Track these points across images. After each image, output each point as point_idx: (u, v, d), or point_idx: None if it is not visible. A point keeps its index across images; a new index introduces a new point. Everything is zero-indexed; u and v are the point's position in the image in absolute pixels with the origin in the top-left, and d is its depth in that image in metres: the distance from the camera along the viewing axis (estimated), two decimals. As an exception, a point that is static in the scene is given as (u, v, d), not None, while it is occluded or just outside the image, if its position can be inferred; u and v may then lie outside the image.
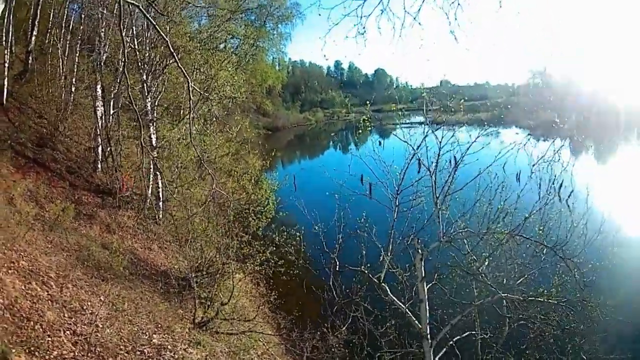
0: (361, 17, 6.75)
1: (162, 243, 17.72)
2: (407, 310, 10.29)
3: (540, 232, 9.91)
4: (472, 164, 10.02)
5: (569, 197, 12.67)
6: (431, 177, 9.78)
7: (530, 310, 10.63)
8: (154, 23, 9.71)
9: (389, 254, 10.30)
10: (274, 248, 14.53)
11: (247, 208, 16.07)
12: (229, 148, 22.34)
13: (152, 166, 19.33)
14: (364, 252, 10.85)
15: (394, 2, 6.75)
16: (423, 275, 10.10)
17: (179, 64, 7.31)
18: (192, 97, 7.23)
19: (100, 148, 19.45)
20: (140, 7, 7.05)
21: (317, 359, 12.59)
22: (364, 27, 6.90)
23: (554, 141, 11.69)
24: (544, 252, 10.38)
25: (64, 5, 22.44)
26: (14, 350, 6.54)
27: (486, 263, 10.40)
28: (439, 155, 9.69)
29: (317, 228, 11.66)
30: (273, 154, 25.50)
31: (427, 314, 10.18)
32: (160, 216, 19.16)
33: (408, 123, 10.82)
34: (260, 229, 16.21)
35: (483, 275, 10.34)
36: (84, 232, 15.14)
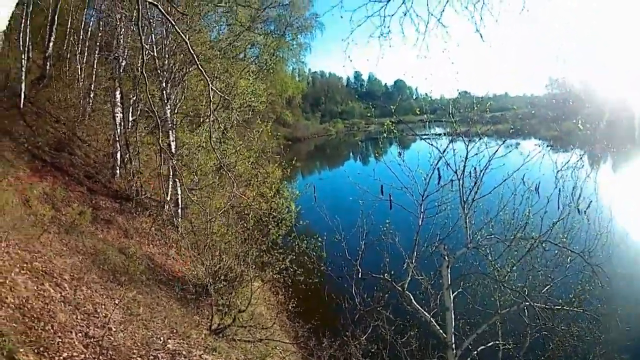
0: (384, 18, 6.57)
1: (180, 249, 17.55)
2: (431, 318, 10.07)
3: (564, 239, 9.74)
4: (495, 172, 9.86)
5: (588, 207, 12.28)
6: (459, 180, 9.66)
7: (554, 319, 10.29)
8: (173, 22, 9.63)
9: (413, 261, 10.10)
10: (294, 256, 14.28)
11: (266, 216, 15.90)
12: (248, 155, 22.15)
13: (171, 172, 19.22)
14: (387, 259, 10.63)
15: (417, 3, 6.57)
16: (449, 282, 9.92)
17: (199, 65, 7.12)
18: (212, 99, 7.07)
19: (119, 154, 19.44)
20: (160, 7, 6.88)
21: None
22: (388, 28, 6.77)
23: (576, 148, 11.66)
24: (569, 260, 10.19)
25: (81, 12, 22.60)
26: (21, 350, 6.34)
27: (512, 269, 10.06)
28: (466, 158, 9.54)
29: (337, 237, 11.50)
30: (293, 162, 25.26)
31: (453, 323, 9.98)
32: (179, 222, 18.99)
33: (429, 134, 10.56)
34: (280, 237, 15.97)
35: (510, 282, 10.08)
36: (100, 236, 15.08)
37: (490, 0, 6.26)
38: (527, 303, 9.70)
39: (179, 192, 19.38)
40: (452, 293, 10.07)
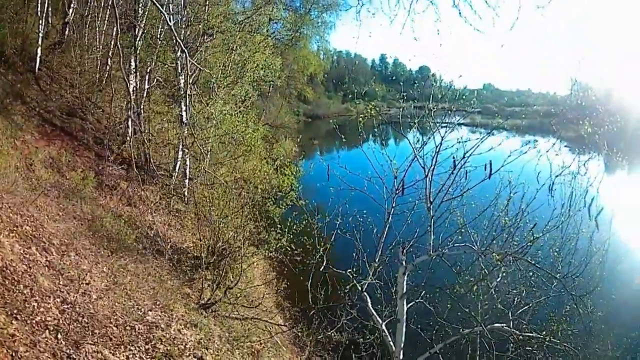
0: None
1: (183, 221, 17.71)
2: (383, 326, 9.79)
3: (556, 254, 9.26)
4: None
5: (598, 215, 11.80)
6: (425, 178, 9.07)
7: (529, 346, 9.56)
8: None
9: (376, 261, 9.76)
10: (290, 236, 14.30)
11: (266, 192, 15.93)
12: (255, 128, 22.15)
13: (181, 142, 19.35)
14: (355, 254, 10.33)
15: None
16: (404, 291, 9.42)
17: (177, 37, 7.12)
18: (190, 76, 7.11)
19: (130, 121, 19.55)
20: None
21: (320, 354, 12.39)
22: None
23: (582, 152, 10.87)
24: (552, 283, 9.38)
25: None
26: (-8, 312, 6.51)
27: (479, 285, 9.45)
28: (437, 152, 8.98)
29: (314, 222, 11.43)
30: (312, 141, 25.08)
31: (403, 336, 9.54)
32: (186, 193, 19.18)
33: (447, 123, 10.13)
34: (278, 215, 15.95)
35: (478, 299, 9.57)
36: (102, 202, 15.29)
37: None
38: (491, 326, 9.20)
39: (188, 163, 19.51)
40: (410, 303, 9.62)
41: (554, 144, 9.47)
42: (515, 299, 9.85)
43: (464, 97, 9.89)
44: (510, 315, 9.63)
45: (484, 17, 6.38)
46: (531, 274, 9.40)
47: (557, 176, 9.85)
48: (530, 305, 9.75)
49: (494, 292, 9.76)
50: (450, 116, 10.26)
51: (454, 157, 9.03)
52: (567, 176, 9.97)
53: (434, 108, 9.68)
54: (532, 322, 9.68)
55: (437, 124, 9.65)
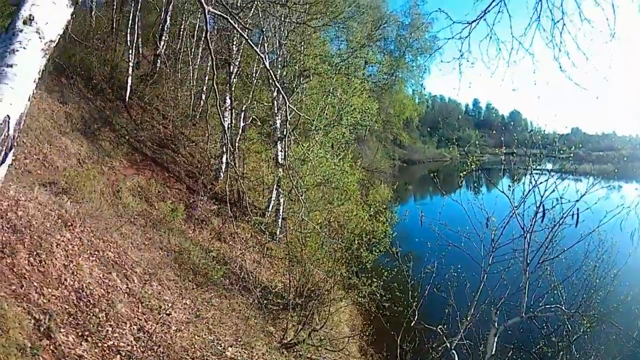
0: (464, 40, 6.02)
1: (274, 260, 17.42)
2: None
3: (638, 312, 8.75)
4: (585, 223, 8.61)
5: None
6: (524, 238, 8.60)
7: None
8: (246, 36, 9.38)
9: (468, 319, 9.35)
10: (381, 282, 13.61)
11: (360, 238, 15.37)
12: (352, 172, 21.75)
13: (275, 182, 19.28)
14: (447, 310, 9.88)
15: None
16: (493, 352, 9.00)
17: (276, 82, 6.86)
18: (288, 117, 6.91)
19: (224, 157, 19.73)
20: (230, 19, 6.58)
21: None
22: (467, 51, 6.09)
23: None
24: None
25: (195, 14, 23.23)
26: (62, 330, 6.32)
27: (565, 347, 9.28)
28: (536, 213, 8.57)
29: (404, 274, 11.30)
30: (407, 185, 24.53)
31: None
32: (277, 232, 18.94)
33: (539, 169, 9.58)
34: (370, 261, 15.32)
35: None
36: (190, 235, 15.26)
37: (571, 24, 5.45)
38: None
39: (281, 202, 19.36)
40: None
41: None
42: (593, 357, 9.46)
43: (556, 142, 9.70)
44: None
45: (579, 67, 6.05)
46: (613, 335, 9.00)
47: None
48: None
49: (574, 351, 9.54)
50: (541, 163, 9.98)
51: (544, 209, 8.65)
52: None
53: (529, 154, 9.49)
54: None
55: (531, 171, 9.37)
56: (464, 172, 10.00)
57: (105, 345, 6.73)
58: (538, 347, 9.44)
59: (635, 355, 8.91)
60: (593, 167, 10.27)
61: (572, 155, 9.30)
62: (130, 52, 20.85)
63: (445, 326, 9.72)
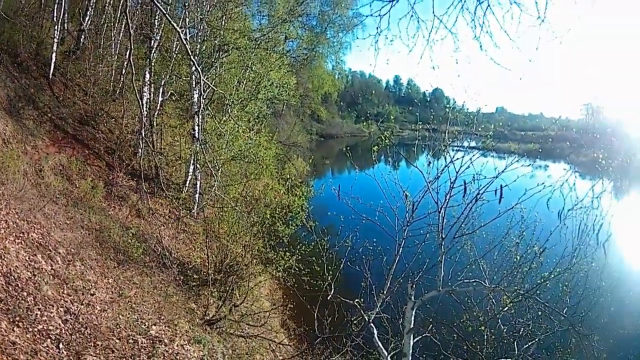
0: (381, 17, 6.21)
1: (192, 235, 17.53)
2: (388, 359, 9.42)
3: (565, 289, 8.89)
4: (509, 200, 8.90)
5: (606, 241, 11.50)
6: (438, 213, 8.76)
7: None
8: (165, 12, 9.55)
9: (384, 293, 9.46)
10: (299, 257, 14.15)
11: (276, 212, 15.78)
12: (268, 147, 22.08)
13: (193, 157, 19.35)
14: (363, 284, 10.01)
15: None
16: (411, 326, 9.06)
17: (191, 57, 7.12)
18: (204, 92, 7.10)
19: (142, 133, 19.54)
20: None
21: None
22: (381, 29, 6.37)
23: (594, 185, 10.41)
24: (558, 320, 9.15)
25: None
26: (-6, 318, 6.40)
27: (487, 322, 9.34)
28: (451, 188, 8.66)
29: (323, 245, 11.30)
30: (324, 160, 24.94)
31: None
32: (195, 208, 19.10)
33: (459, 146, 9.94)
34: (287, 236, 15.80)
35: (487, 334, 9.40)
36: (110, 213, 15.19)
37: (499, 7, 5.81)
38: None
39: (198, 178, 19.48)
40: (417, 337, 9.30)
41: (566, 179, 9.23)
42: (522, 331, 9.55)
43: (476, 120, 9.62)
44: (516, 349, 9.41)
45: (502, 48, 6.32)
46: (539, 310, 9.16)
47: (569, 210, 9.55)
48: (537, 339, 9.47)
49: (501, 325, 9.56)
50: (462, 139, 10.05)
51: (465, 185, 8.86)
52: (579, 210, 9.58)
53: (446, 131, 9.47)
54: (538, 357, 9.51)
55: (450, 147, 9.32)
56: (377, 147, 9.93)
57: (36, 329, 6.84)
58: (461, 320, 9.39)
59: (564, 333, 9.20)
60: (518, 145, 10.21)
61: (491, 132, 9.50)
62: (56, 27, 20.20)
63: (362, 299, 9.76)
